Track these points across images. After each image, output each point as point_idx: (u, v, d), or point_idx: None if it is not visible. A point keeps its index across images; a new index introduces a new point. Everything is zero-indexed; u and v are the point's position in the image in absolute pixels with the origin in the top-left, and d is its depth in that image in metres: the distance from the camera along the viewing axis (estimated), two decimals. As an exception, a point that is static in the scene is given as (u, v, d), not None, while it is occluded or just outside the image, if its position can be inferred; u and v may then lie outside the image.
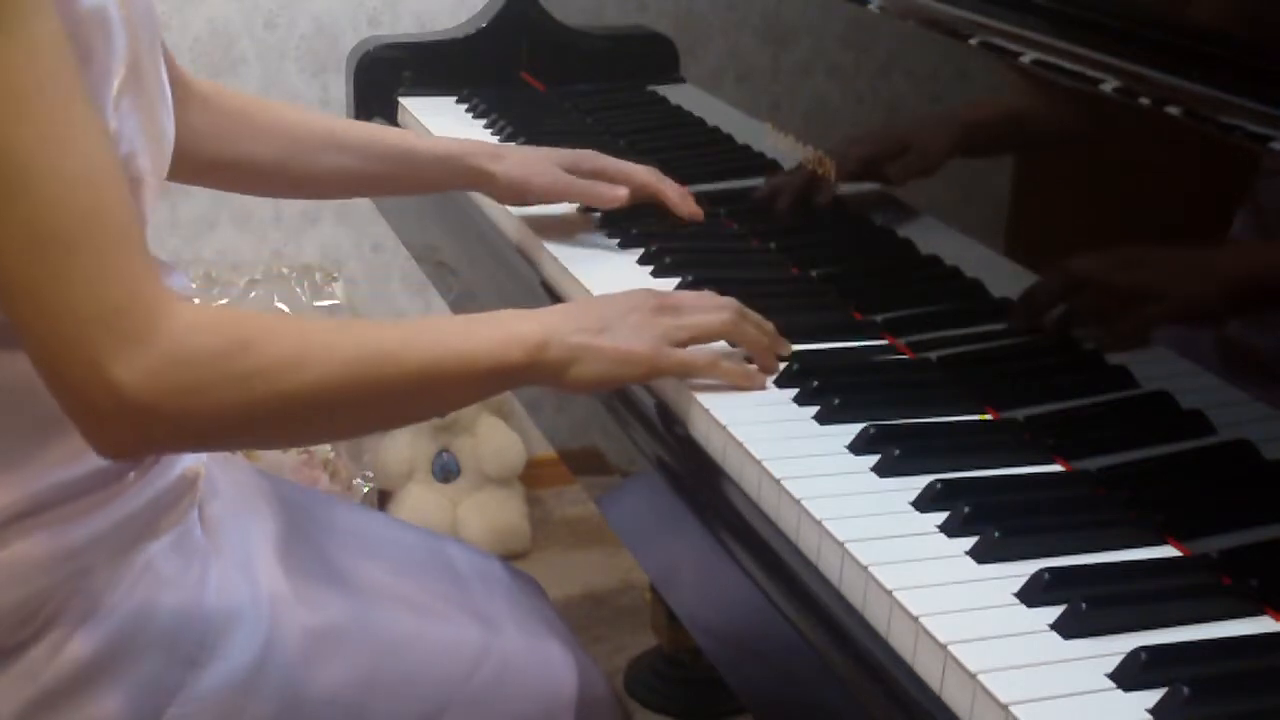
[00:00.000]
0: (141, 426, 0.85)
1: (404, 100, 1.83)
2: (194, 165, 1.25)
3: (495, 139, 1.69)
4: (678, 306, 1.08)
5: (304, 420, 0.93)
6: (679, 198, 1.40)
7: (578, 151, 1.41)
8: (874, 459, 0.98)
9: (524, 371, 1.00)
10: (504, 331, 0.99)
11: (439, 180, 1.40)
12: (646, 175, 1.40)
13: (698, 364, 1.07)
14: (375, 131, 1.39)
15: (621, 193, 1.38)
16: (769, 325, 1.12)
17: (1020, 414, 1.05)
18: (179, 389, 0.84)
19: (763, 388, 1.09)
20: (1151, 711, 0.75)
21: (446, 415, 0.99)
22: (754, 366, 1.10)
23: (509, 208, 1.44)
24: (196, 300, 1.00)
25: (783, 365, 1.11)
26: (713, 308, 1.09)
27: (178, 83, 1.22)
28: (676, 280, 1.29)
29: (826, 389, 1.06)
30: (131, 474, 1.00)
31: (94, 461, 0.96)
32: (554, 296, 1.33)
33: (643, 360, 1.04)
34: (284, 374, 0.88)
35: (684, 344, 1.07)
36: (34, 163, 0.81)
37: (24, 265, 0.82)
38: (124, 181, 0.86)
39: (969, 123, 1.17)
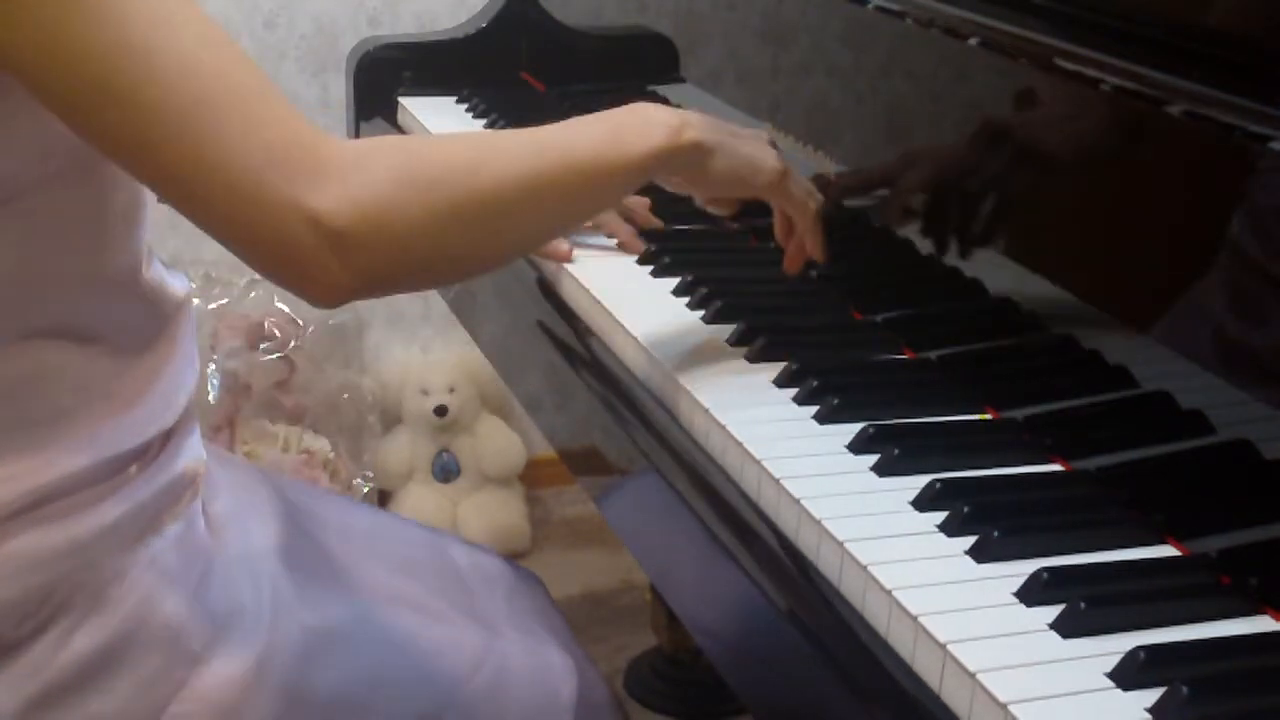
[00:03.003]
0: (351, 253, 0.86)
1: (404, 100, 1.83)
2: None
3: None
4: (786, 167, 1.13)
5: (487, 224, 0.94)
6: (628, 238, 1.38)
7: None
8: (873, 458, 0.98)
9: (669, 154, 1.03)
10: (643, 118, 1.03)
11: None
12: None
13: (811, 207, 1.13)
14: None
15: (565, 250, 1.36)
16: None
17: (1019, 414, 1.05)
18: (374, 206, 0.86)
19: (824, 258, 1.15)
20: (1150, 711, 0.75)
21: (604, 210, 1.06)
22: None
23: None
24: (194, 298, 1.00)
25: (784, 365, 1.11)
26: (808, 194, 1.14)
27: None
28: (676, 280, 1.29)
29: (826, 389, 1.06)
30: (134, 466, 1.00)
31: (97, 453, 0.97)
32: (553, 295, 1.33)
33: (773, 172, 1.10)
34: (464, 177, 0.91)
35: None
36: (154, 45, 0.82)
37: (181, 142, 0.83)
38: (237, 44, 0.87)
39: (969, 125, 1.17)
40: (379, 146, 0.89)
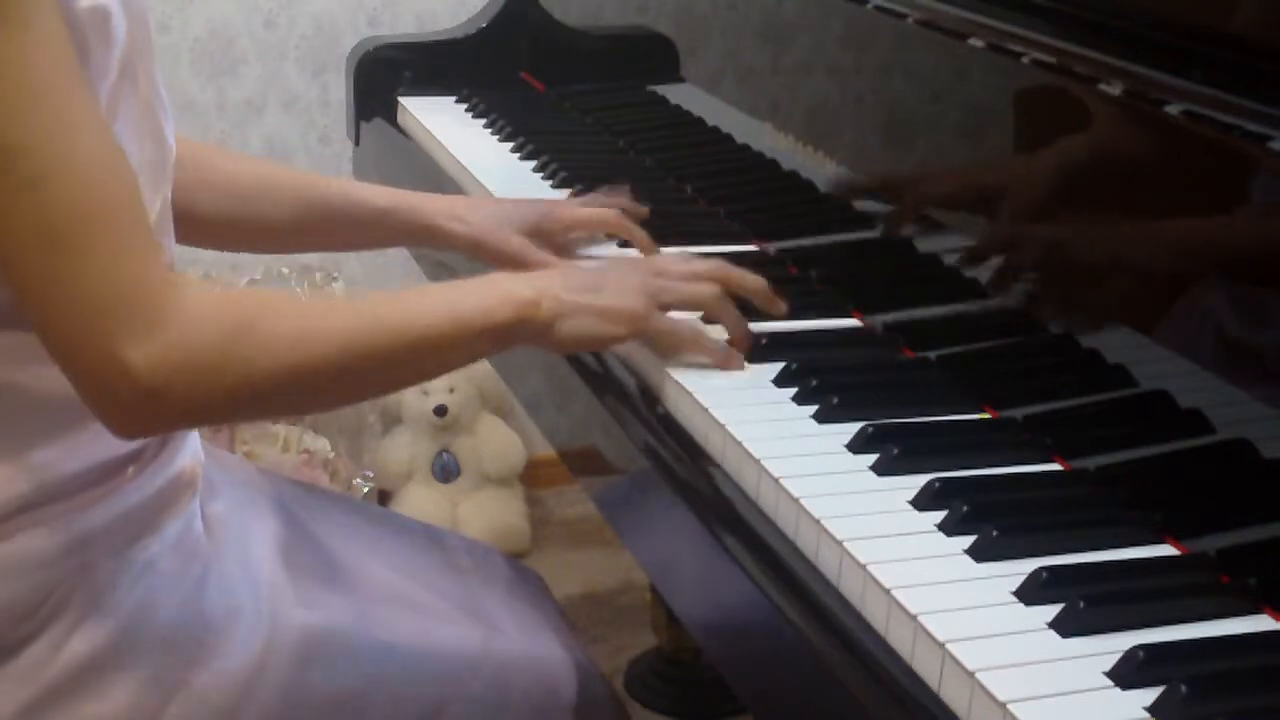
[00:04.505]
0: (155, 407, 0.88)
1: (404, 100, 1.84)
2: None
3: (495, 139, 1.69)
4: (664, 271, 1.11)
5: (309, 394, 0.96)
6: (649, 243, 1.31)
7: (543, 212, 1.32)
8: (873, 458, 0.98)
9: (515, 328, 1.02)
10: (497, 291, 1.02)
11: (392, 234, 1.32)
12: (607, 216, 1.33)
13: (682, 334, 1.10)
14: (319, 182, 1.32)
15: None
16: (761, 281, 1.14)
17: (1019, 413, 1.05)
18: (190, 371, 0.87)
19: (741, 368, 1.10)
20: (1149, 709, 0.75)
21: (447, 373, 1.01)
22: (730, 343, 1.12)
23: None
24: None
25: (783, 364, 1.11)
26: (696, 277, 1.11)
27: None
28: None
29: (825, 388, 1.06)
30: (130, 468, 1.00)
31: (94, 454, 0.97)
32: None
33: (631, 318, 1.07)
34: (286, 352, 0.91)
35: (668, 309, 1.10)
36: (47, 156, 0.83)
37: (40, 256, 0.84)
38: (130, 170, 0.88)
39: (968, 125, 1.17)
40: (217, 308, 0.89)
